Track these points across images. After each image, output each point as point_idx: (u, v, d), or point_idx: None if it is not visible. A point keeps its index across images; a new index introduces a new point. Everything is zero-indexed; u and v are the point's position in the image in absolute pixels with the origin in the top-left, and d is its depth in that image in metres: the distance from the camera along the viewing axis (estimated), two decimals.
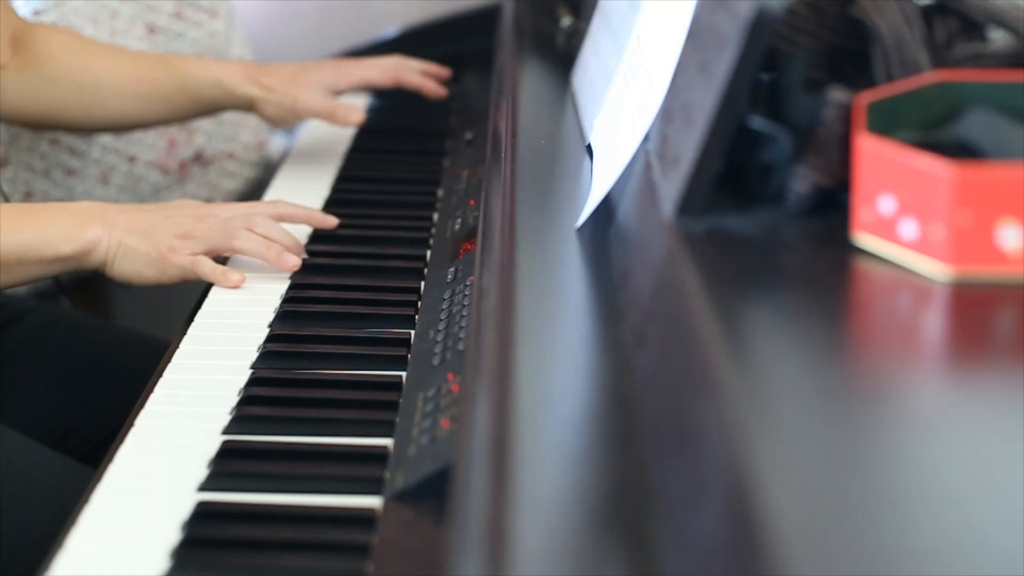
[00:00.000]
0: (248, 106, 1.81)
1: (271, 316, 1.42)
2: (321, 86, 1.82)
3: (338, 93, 1.85)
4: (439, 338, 1.31)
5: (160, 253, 1.45)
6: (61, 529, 1.08)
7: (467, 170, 1.75)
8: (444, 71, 1.95)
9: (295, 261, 1.50)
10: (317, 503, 1.11)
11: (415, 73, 1.91)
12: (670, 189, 1.09)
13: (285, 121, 1.85)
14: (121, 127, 1.85)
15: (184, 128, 2.09)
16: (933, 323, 0.97)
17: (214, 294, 1.47)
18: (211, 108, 1.83)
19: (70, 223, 1.45)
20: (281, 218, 1.53)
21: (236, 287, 1.47)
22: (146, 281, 1.47)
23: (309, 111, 1.81)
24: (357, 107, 1.82)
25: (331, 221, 1.58)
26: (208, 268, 1.46)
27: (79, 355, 1.65)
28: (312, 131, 2.06)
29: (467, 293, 1.35)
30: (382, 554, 1.04)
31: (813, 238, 1.06)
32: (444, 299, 1.39)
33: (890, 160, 0.98)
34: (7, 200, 1.91)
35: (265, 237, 1.49)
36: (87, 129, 1.87)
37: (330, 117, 1.82)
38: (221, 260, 1.51)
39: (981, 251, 0.95)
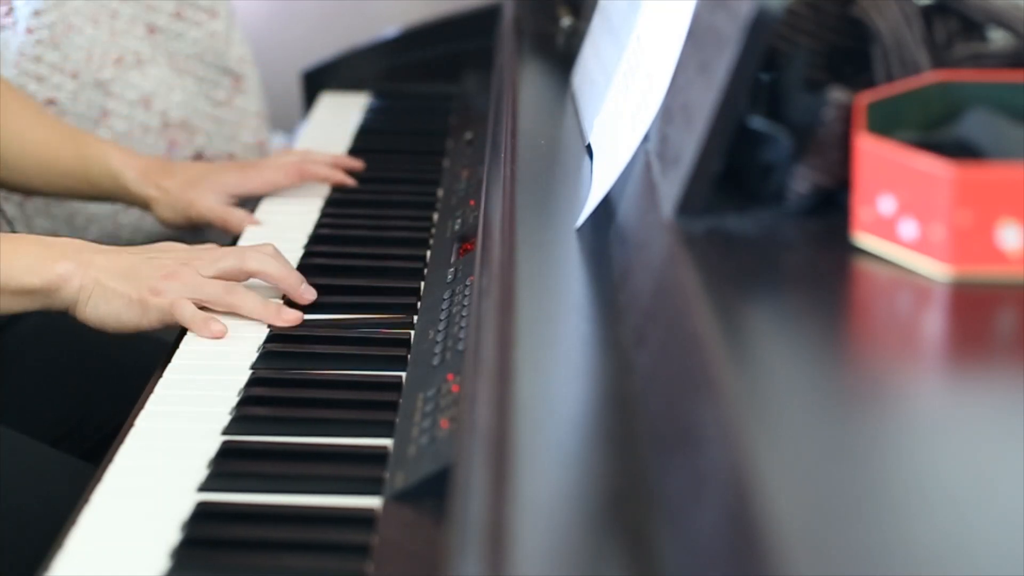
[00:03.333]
0: (143, 205, 1.74)
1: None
2: (223, 190, 1.73)
3: (241, 197, 1.75)
4: (439, 338, 1.31)
5: (141, 296, 1.37)
6: (61, 529, 1.08)
7: (467, 170, 1.75)
8: (355, 162, 1.85)
9: (295, 317, 1.40)
10: (317, 503, 1.11)
11: (321, 166, 1.81)
12: (670, 189, 1.09)
13: (180, 225, 1.75)
14: (20, 190, 1.80)
15: (184, 128, 2.08)
16: (933, 323, 0.97)
17: None
18: (106, 197, 1.77)
19: (40, 254, 1.38)
20: (260, 272, 1.43)
21: (217, 338, 1.37)
22: (123, 326, 1.39)
23: (202, 217, 1.72)
24: (251, 216, 1.71)
25: (308, 296, 1.44)
26: (188, 313, 1.37)
27: (79, 355, 1.65)
28: (312, 131, 2.06)
29: (467, 293, 1.35)
30: (382, 554, 1.04)
31: (813, 238, 1.06)
32: (444, 299, 1.39)
33: (890, 160, 0.98)
34: (10, 199, 1.91)
35: (262, 274, 1.42)
36: None
37: (223, 224, 1.72)
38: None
39: (981, 251, 0.95)
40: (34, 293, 1.38)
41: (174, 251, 1.44)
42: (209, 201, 1.72)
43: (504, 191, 1.36)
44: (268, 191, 1.77)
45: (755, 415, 0.83)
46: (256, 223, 1.71)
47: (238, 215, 1.71)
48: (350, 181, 1.81)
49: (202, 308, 1.39)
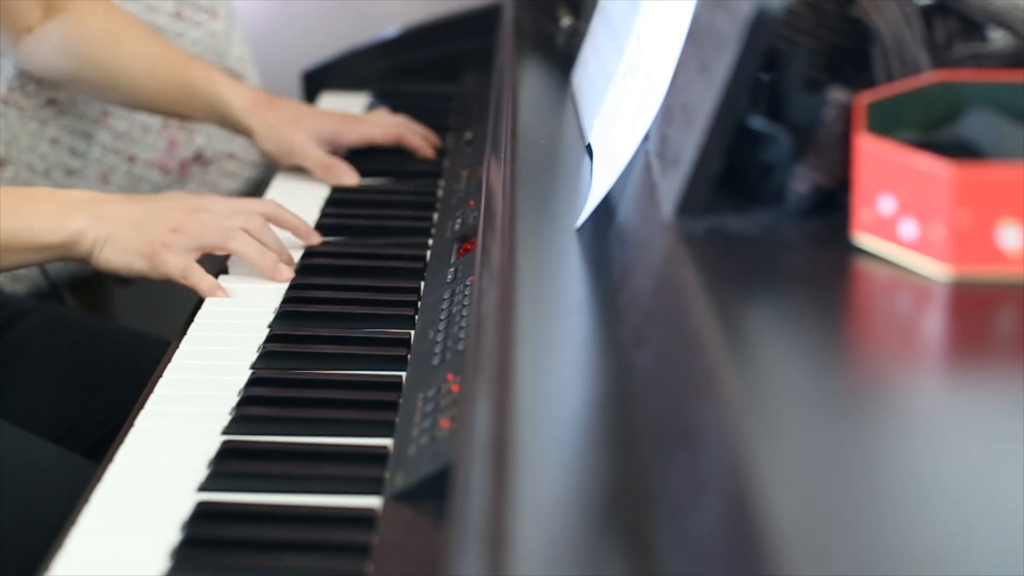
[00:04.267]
0: (246, 133, 1.82)
1: (271, 316, 1.42)
2: (322, 136, 1.82)
3: (337, 147, 1.84)
4: (439, 338, 1.31)
5: (153, 248, 1.45)
6: (61, 528, 1.08)
7: (467, 170, 1.75)
8: (437, 140, 1.93)
9: (288, 273, 1.50)
10: (317, 503, 1.11)
11: (416, 136, 1.90)
12: (670, 189, 1.09)
13: (278, 160, 1.84)
14: (130, 108, 1.92)
15: (184, 128, 2.09)
16: (933, 323, 0.97)
17: None
18: (212, 121, 1.86)
19: (56, 212, 1.46)
20: (272, 219, 1.53)
21: (223, 297, 1.47)
22: (135, 273, 1.47)
23: (304, 159, 1.80)
24: (352, 172, 1.80)
25: (315, 238, 1.58)
26: (198, 277, 1.46)
27: (79, 355, 1.65)
28: None
29: (467, 293, 1.35)
30: (382, 554, 1.04)
31: (813, 238, 1.06)
32: (444, 299, 1.39)
33: (890, 160, 0.98)
34: None
35: (261, 243, 1.49)
36: (98, 98, 1.94)
37: (324, 171, 1.80)
38: (215, 261, 1.51)
39: (981, 251, 0.95)
40: (54, 248, 1.46)
41: (180, 199, 1.51)
42: (312, 147, 1.81)
43: (504, 191, 1.36)
44: (362, 144, 1.87)
45: (755, 415, 0.83)
46: (356, 179, 1.80)
47: (340, 167, 1.81)
48: (432, 154, 1.90)
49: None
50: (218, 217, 1.48)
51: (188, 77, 1.82)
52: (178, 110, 1.85)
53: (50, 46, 1.82)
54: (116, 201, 1.49)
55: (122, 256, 1.45)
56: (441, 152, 1.91)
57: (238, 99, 1.81)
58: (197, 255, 1.47)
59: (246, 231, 1.48)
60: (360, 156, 1.85)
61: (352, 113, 1.94)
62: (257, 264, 1.48)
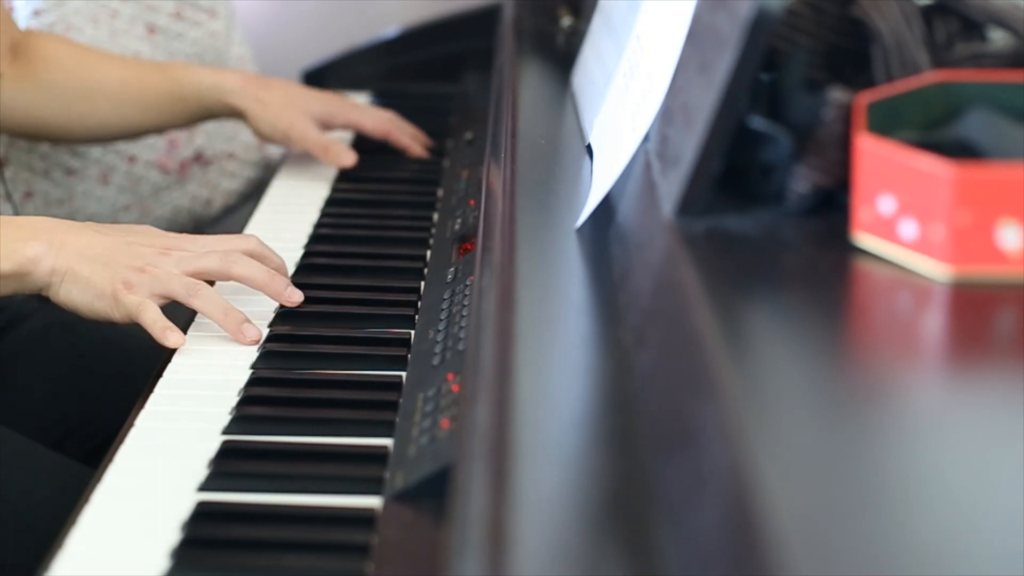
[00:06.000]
0: (240, 115, 1.79)
1: (271, 316, 1.42)
2: (315, 116, 1.79)
3: (328, 128, 1.82)
4: (439, 338, 1.31)
5: (114, 288, 1.32)
6: (61, 529, 1.08)
7: (467, 170, 1.75)
8: (429, 142, 1.90)
9: (254, 334, 1.35)
10: (317, 503, 1.11)
11: (405, 134, 1.87)
12: (670, 189, 1.09)
13: (274, 140, 1.80)
14: (117, 135, 1.82)
15: (184, 127, 2.09)
16: (933, 323, 0.97)
17: None
18: (205, 115, 1.81)
19: (9, 237, 1.33)
20: (245, 278, 1.38)
21: (174, 348, 1.33)
22: (96, 314, 1.34)
23: (303, 140, 1.78)
24: (350, 151, 1.79)
25: (296, 298, 1.40)
26: (150, 317, 1.32)
27: (79, 356, 1.65)
28: None
29: (467, 293, 1.35)
30: (382, 554, 1.04)
31: (813, 238, 1.06)
32: (444, 299, 1.39)
33: (890, 160, 0.98)
34: (11, 199, 1.91)
35: (247, 280, 1.37)
36: (81, 139, 1.83)
37: (322, 152, 1.78)
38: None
39: (981, 251, 0.95)
40: (5, 278, 1.33)
41: (154, 237, 1.38)
42: (310, 128, 1.77)
43: (504, 191, 1.36)
44: (354, 129, 1.86)
45: (755, 415, 0.83)
46: (354, 160, 1.77)
47: (339, 146, 1.78)
48: (424, 155, 1.87)
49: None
50: (190, 259, 1.35)
51: (167, 75, 1.78)
52: (166, 114, 1.78)
53: (21, 88, 1.73)
54: (79, 230, 1.35)
55: (82, 294, 1.33)
56: (440, 152, 1.91)
57: (227, 81, 1.77)
58: (161, 301, 1.34)
59: (225, 269, 1.37)
60: (361, 156, 1.84)
61: (339, 96, 1.91)
62: (219, 324, 1.35)
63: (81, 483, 1.17)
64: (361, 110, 1.87)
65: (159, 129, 1.83)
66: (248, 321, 1.35)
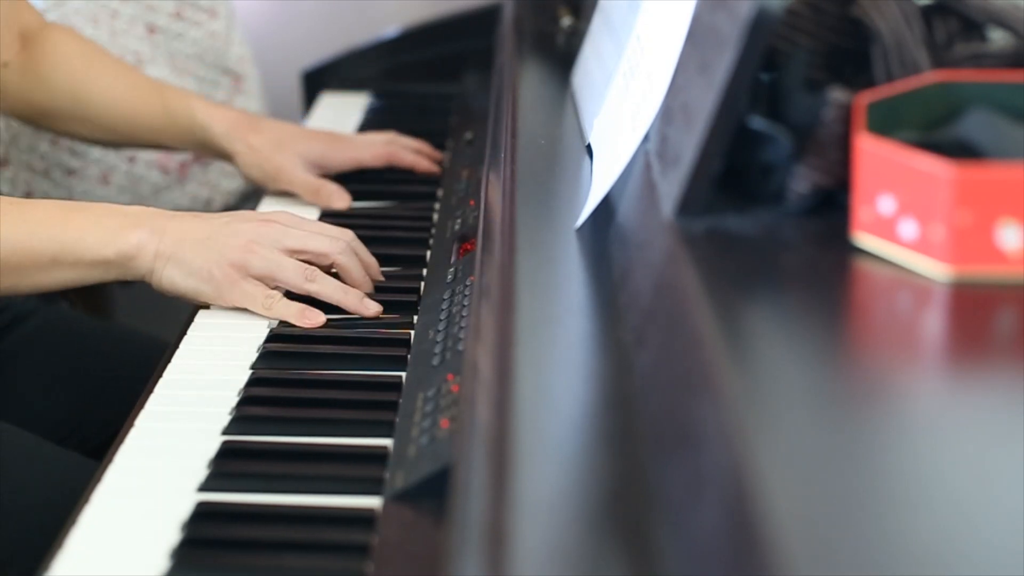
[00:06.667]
0: (228, 158, 1.74)
1: None
2: (308, 159, 1.73)
3: (324, 171, 1.75)
4: (439, 338, 1.31)
5: (222, 270, 1.35)
6: (62, 528, 1.08)
7: (467, 170, 1.75)
8: (435, 153, 1.85)
9: (376, 307, 1.38)
10: (317, 503, 1.11)
11: (408, 152, 1.82)
12: (670, 189, 1.09)
13: (263, 184, 1.75)
14: (106, 144, 1.82)
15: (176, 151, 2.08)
16: (933, 323, 0.97)
17: None
18: (194, 148, 1.78)
19: (113, 224, 1.35)
20: (344, 268, 1.41)
21: (318, 326, 1.36)
22: (200, 298, 1.37)
23: (292, 185, 1.71)
24: (344, 194, 1.72)
25: (373, 309, 1.40)
26: (282, 308, 1.36)
27: (80, 356, 1.65)
28: None
29: (467, 293, 1.35)
30: (382, 554, 1.04)
31: (813, 238, 1.06)
32: (444, 299, 1.39)
33: (890, 160, 0.98)
34: None
35: (344, 271, 1.39)
36: (76, 138, 1.83)
37: (314, 196, 1.71)
38: None
39: (981, 251, 0.95)
40: (108, 264, 1.35)
41: (252, 215, 1.40)
42: (299, 171, 1.71)
43: (504, 191, 1.36)
44: (350, 168, 1.77)
45: (755, 415, 0.83)
46: (348, 202, 1.70)
47: (329, 189, 1.71)
48: (434, 168, 1.81)
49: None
50: (298, 237, 1.38)
51: (165, 101, 1.75)
52: (157, 138, 1.76)
53: (24, 80, 1.73)
54: (179, 216, 1.38)
55: (187, 278, 1.35)
56: (441, 152, 1.90)
57: (217, 123, 1.73)
58: (273, 282, 1.37)
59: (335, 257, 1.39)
60: (354, 178, 1.82)
61: (339, 133, 1.85)
62: (341, 303, 1.38)
63: (84, 476, 1.17)
64: (356, 145, 1.79)
65: (150, 147, 1.81)
66: (366, 296, 1.38)
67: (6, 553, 1.28)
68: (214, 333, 1.39)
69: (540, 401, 1.02)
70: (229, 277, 1.35)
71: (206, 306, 1.41)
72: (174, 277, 1.36)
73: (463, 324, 1.29)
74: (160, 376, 1.31)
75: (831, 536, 0.73)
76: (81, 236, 1.35)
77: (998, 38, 1.12)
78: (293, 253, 1.38)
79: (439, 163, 1.85)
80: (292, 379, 1.31)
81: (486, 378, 1.04)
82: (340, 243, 1.40)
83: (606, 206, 1.26)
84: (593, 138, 1.40)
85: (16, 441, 1.39)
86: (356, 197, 1.74)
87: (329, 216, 1.70)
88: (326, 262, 1.40)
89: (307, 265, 1.38)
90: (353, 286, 1.40)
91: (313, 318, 1.36)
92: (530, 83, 1.81)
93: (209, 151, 1.76)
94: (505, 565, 0.83)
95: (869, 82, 1.09)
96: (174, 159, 2.10)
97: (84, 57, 1.77)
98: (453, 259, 1.48)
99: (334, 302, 1.38)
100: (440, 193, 1.76)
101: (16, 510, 1.30)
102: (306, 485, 1.13)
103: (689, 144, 1.06)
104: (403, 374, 1.30)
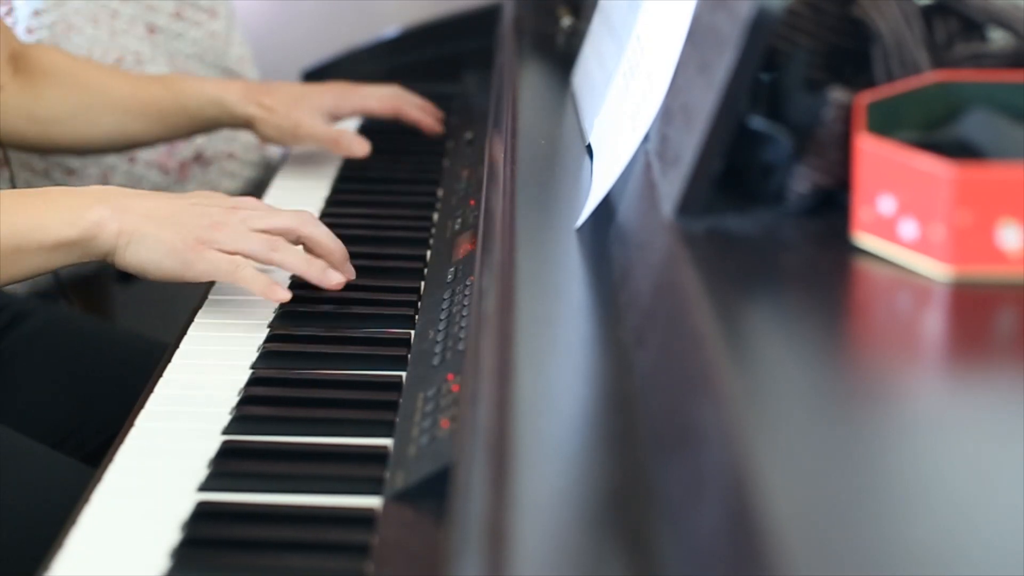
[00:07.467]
0: (246, 125, 1.80)
1: (271, 316, 1.42)
2: (322, 111, 1.80)
3: (337, 119, 1.84)
4: (439, 338, 1.31)
5: (187, 243, 1.32)
6: (61, 529, 1.08)
7: (467, 170, 1.75)
8: (439, 112, 1.92)
9: (338, 279, 1.39)
10: (317, 503, 1.11)
11: (414, 107, 1.89)
12: (670, 189, 1.09)
13: (283, 143, 1.82)
14: (118, 146, 1.82)
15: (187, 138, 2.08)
16: (933, 323, 0.97)
17: (214, 294, 1.47)
18: (208, 126, 1.82)
19: (72, 204, 1.33)
20: (312, 239, 1.40)
21: (282, 301, 1.36)
22: (164, 273, 1.33)
23: (312, 137, 1.79)
24: (362, 139, 1.80)
25: (349, 275, 1.42)
26: (249, 275, 1.33)
27: (80, 356, 1.65)
28: None
29: (467, 293, 1.35)
30: (382, 554, 1.04)
31: (813, 238, 1.06)
32: (444, 299, 1.39)
33: (890, 160, 0.98)
34: None
35: (313, 242, 1.39)
36: (84, 149, 1.82)
37: (334, 145, 1.79)
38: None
39: (981, 251, 0.95)
40: (71, 245, 1.33)
41: (219, 199, 1.40)
42: (317, 122, 1.78)
43: (504, 191, 1.36)
44: (362, 114, 1.87)
45: (755, 415, 0.83)
46: (367, 150, 1.77)
47: (348, 137, 1.78)
48: (437, 128, 1.89)
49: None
50: (261, 216, 1.37)
51: (169, 88, 1.78)
52: (168, 125, 1.78)
53: (23, 98, 1.73)
54: (141, 195, 1.36)
55: (150, 253, 1.32)
56: (441, 153, 1.91)
57: (230, 92, 1.78)
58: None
59: (297, 230, 1.38)
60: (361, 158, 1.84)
61: (347, 84, 1.91)
62: (303, 273, 1.38)
63: (82, 482, 1.17)
64: (365, 92, 1.87)
65: (162, 140, 1.83)
66: (329, 268, 1.39)
67: (4, 554, 1.28)
68: (214, 333, 1.39)
69: (540, 401, 1.02)
70: (195, 250, 1.33)
71: (205, 307, 1.42)
72: (139, 253, 1.33)
73: (463, 324, 1.29)
74: (160, 376, 1.31)
75: (831, 536, 0.73)
76: (40, 222, 1.32)
77: (998, 38, 1.12)
78: (260, 232, 1.37)
79: (439, 163, 1.86)
80: (292, 379, 1.31)
81: (486, 378, 1.04)
82: (304, 215, 1.40)
83: (606, 206, 1.26)
84: (593, 138, 1.40)
85: (9, 444, 1.39)
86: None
87: (330, 215, 1.70)
88: (292, 237, 1.39)
89: (273, 237, 1.37)
90: (325, 255, 1.41)
91: (279, 293, 1.35)
92: (530, 83, 1.81)
93: (223, 123, 1.80)
94: (505, 565, 0.83)
95: (869, 82, 1.09)
96: (174, 159, 2.10)
97: (76, 61, 1.78)
98: (453, 259, 1.48)
99: (298, 272, 1.38)
100: (440, 193, 1.76)
101: (12, 513, 1.30)
102: (306, 485, 1.13)
103: (689, 144, 1.06)
104: (403, 374, 1.30)
